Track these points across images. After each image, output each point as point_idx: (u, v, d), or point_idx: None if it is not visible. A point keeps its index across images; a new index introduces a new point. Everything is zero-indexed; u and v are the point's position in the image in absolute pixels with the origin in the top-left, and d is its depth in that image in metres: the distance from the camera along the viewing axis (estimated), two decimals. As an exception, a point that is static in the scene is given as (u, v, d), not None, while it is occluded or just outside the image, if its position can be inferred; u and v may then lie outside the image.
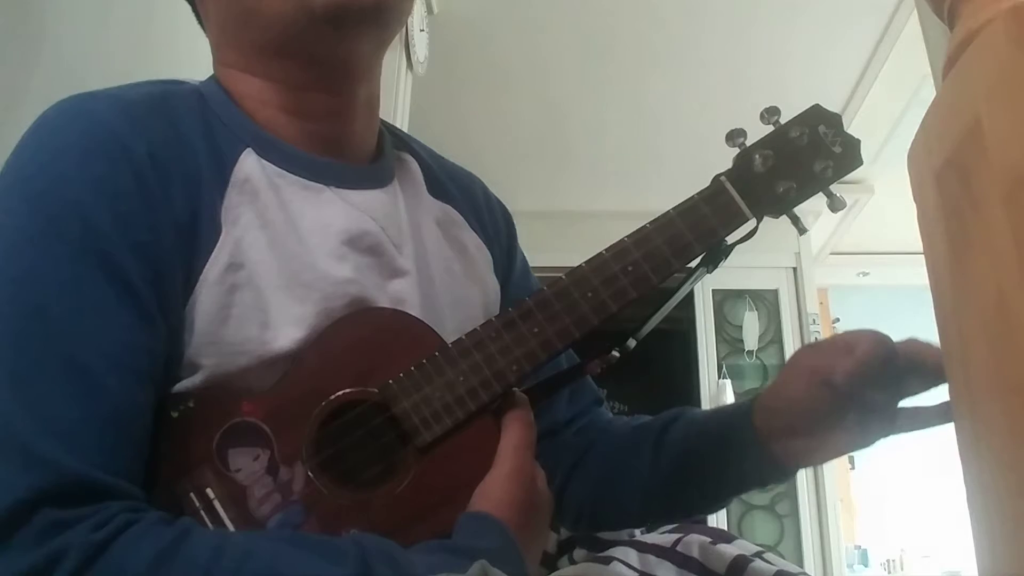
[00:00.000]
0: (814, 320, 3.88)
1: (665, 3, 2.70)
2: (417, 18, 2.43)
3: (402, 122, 2.31)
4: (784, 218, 0.66)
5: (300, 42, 0.64)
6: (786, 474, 0.70)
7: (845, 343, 0.64)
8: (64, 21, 1.01)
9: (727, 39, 2.84)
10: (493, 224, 0.83)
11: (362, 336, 0.61)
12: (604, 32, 2.82)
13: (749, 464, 0.70)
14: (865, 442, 0.67)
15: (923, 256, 0.56)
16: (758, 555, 0.81)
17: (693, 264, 0.65)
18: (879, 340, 0.62)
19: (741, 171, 0.64)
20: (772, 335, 3.94)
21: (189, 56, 0.71)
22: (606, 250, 0.63)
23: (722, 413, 0.75)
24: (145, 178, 0.55)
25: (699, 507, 0.78)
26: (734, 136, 0.65)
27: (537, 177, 3.80)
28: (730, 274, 3.86)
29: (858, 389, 0.62)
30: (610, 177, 3.80)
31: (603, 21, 2.76)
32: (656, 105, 3.23)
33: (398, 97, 2.29)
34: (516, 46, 2.90)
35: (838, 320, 4.90)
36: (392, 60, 2.27)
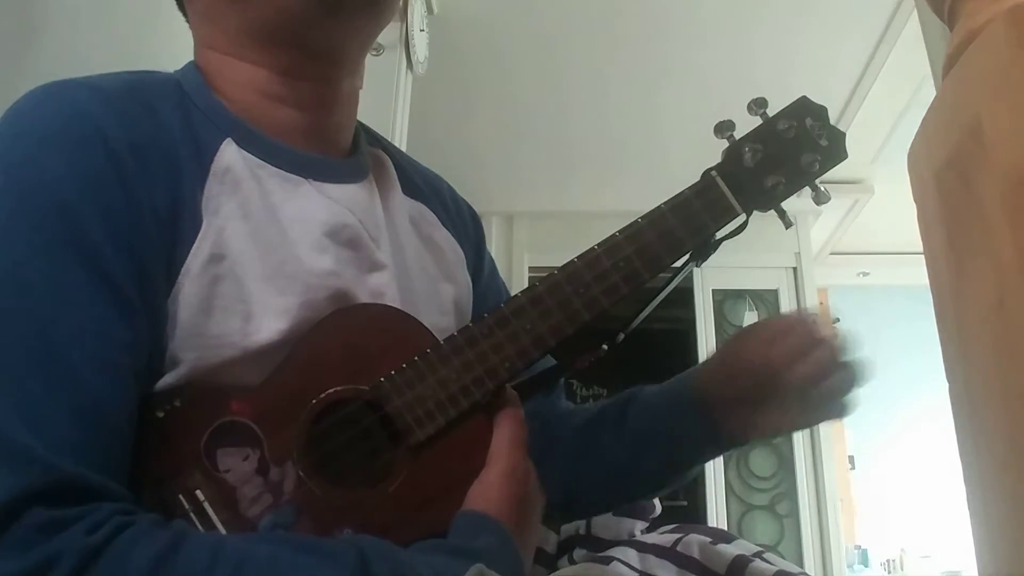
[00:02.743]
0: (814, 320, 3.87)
1: (666, 4, 2.70)
2: (417, 18, 2.43)
3: (402, 122, 2.30)
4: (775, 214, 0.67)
5: (294, 27, 0.63)
6: (733, 443, 0.74)
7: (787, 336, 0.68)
8: (64, 15, 1.01)
9: (728, 40, 2.84)
10: (462, 224, 0.83)
11: (352, 333, 0.60)
12: (605, 33, 2.82)
13: (697, 434, 0.73)
14: (804, 423, 0.71)
15: (923, 256, 0.56)
16: (758, 555, 0.81)
17: (683, 259, 0.65)
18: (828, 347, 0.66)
19: (731, 165, 0.64)
20: (772, 335, 3.93)
21: (187, 48, 0.70)
22: (598, 245, 0.62)
23: (668, 389, 0.77)
24: (126, 168, 0.55)
25: (665, 483, 0.81)
26: (723, 128, 0.65)
27: (537, 177, 3.80)
28: (730, 274, 3.86)
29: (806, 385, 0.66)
30: (610, 177, 3.79)
31: (604, 22, 2.76)
32: (657, 105, 3.23)
33: (398, 97, 2.28)
34: (516, 46, 2.90)
35: (838, 320, 4.89)
36: (392, 60, 2.26)
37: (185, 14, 0.71)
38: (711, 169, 0.64)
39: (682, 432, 0.74)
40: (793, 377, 0.66)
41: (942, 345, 0.53)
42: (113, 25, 1.15)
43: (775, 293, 3.98)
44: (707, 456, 0.77)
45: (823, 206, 0.67)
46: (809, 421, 0.71)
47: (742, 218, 0.65)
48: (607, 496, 0.83)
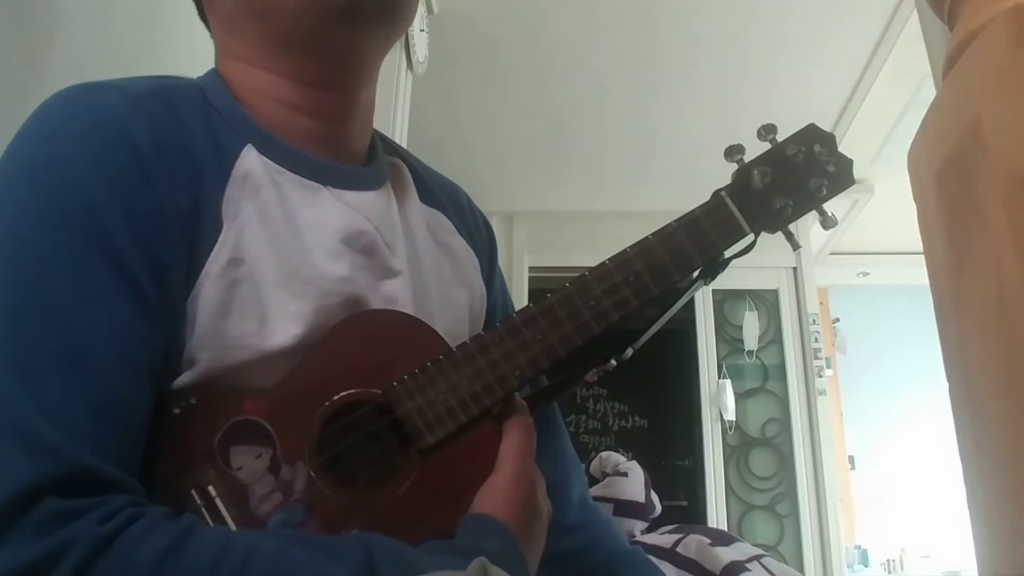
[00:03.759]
0: (814, 320, 3.88)
1: (663, 6, 2.70)
2: (417, 18, 2.43)
3: (402, 122, 2.30)
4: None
5: (312, 36, 0.64)
6: None
7: None
8: (71, 19, 1.02)
9: (726, 40, 2.84)
10: (478, 233, 0.84)
11: (367, 337, 0.61)
12: (604, 34, 2.82)
13: None
14: None
15: (923, 256, 0.56)
16: (757, 558, 0.81)
17: (692, 276, 0.66)
18: None
19: (740, 187, 0.65)
20: (772, 335, 3.94)
21: (190, 52, 0.70)
22: (609, 260, 0.63)
23: None
24: (150, 169, 0.55)
25: None
26: (732, 152, 0.67)
27: (536, 177, 3.80)
28: (730, 274, 3.75)
29: None
30: (608, 178, 3.79)
31: (602, 24, 2.76)
32: (654, 106, 3.23)
33: (398, 97, 2.29)
34: (516, 46, 2.90)
35: (838, 320, 4.90)
36: (392, 60, 2.27)
37: (207, 25, 0.72)
38: (721, 190, 0.66)
39: None
40: None
41: (942, 345, 0.53)
42: (118, 33, 1.15)
43: (775, 293, 3.98)
44: None
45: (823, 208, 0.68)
46: None
47: (750, 238, 0.66)
48: None
